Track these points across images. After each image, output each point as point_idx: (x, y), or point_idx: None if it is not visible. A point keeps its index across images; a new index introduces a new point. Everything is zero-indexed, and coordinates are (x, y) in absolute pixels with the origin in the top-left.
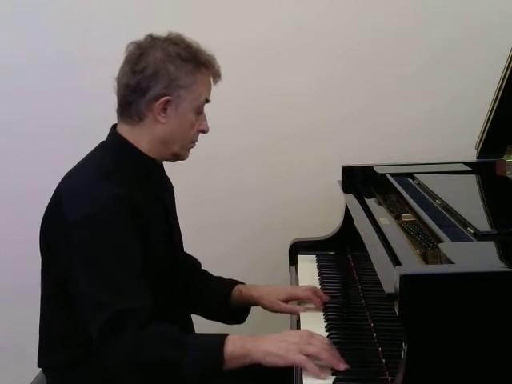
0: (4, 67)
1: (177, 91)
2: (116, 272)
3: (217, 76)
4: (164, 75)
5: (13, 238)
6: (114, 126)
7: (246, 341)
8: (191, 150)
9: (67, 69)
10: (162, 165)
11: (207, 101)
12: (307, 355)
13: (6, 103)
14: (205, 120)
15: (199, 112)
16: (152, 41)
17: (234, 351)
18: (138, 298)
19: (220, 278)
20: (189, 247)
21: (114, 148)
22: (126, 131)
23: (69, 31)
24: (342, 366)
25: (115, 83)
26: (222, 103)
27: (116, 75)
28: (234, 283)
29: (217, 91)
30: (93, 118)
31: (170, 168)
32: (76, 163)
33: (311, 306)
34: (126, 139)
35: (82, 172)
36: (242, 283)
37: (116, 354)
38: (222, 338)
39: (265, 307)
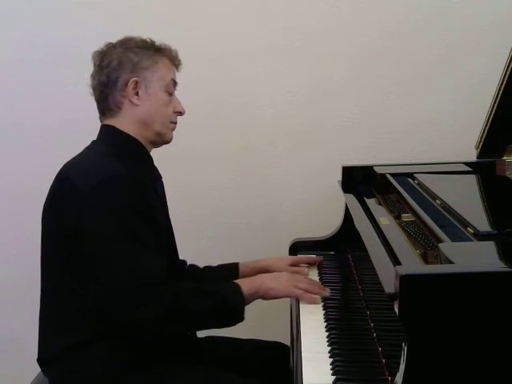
0: (4, 67)
1: (142, 73)
2: (141, 230)
3: (175, 63)
4: (127, 62)
5: (12, 235)
6: (102, 125)
7: (251, 281)
8: (193, 149)
9: (67, 69)
10: (151, 155)
11: (175, 82)
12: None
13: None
14: (179, 102)
15: (170, 93)
16: (111, 44)
17: (248, 291)
18: (163, 255)
19: (209, 267)
20: (187, 248)
21: (110, 138)
22: (111, 124)
23: (69, 31)
24: (327, 292)
25: (91, 90)
26: (223, 102)
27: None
28: (233, 264)
29: (218, 91)
30: (92, 118)
31: (172, 166)
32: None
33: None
34: (117, 128)
35: (87, 156)
36: (237, 263)
37: (161, 311)
38: (236, 284)
39: None
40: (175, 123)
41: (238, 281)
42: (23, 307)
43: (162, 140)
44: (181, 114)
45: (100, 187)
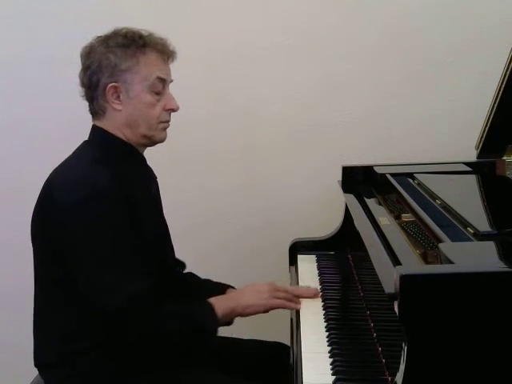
0: (4, 67)
1: (122, 76)
2: (120, 253)
3: (166, 54)
4: (107, 65)
5: (11, 237)
6: (93, 125)
7: (226, 301)
8: (191, 150)
9: (67, 69)
10: (143, 155)
11: (162, 80)
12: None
13: (5, 103)
14: (171, 99)
15: (157, 92)
16: (98, 39)
17: (222, 313)
18: (145, 276)
19: (208, 281)
20: (186, 248)
21: (99, 140)
22: (100, 125)
23: (70, 31)
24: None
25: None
26: (222, 103)
27: None
28: (224, 287)
29: (219, 90)
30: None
31: (169, 167)
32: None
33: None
34: (106, 130)
35: (71, 165)
36: (232, 287)
37: (138, 330)
38: (210, 306)
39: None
40: (167, 122)
41: (213, 299)
42: (22, 310)
43: (151, 141)
44: (173, 110)
45: (81, 205)
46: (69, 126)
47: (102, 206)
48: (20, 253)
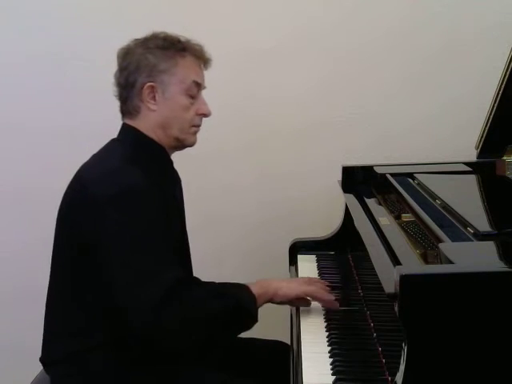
0: (4, 67)
1: (159, 76)
2: (158, 244)
3: (202, 59)
4: (145, 65)
5: (13, 236)
6: (124, 124)
7: (258, 284)
8: (194, 147)
9: (67, 69)
10: (171, 158)
11: (198, 84)
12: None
13: (5, 103)
14: (204, 104)
15: (192, 95)
16: (136, 41)
17: (257, 292)
18: (179, 267)
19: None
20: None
21: (131, 138)
22: (133, 124)
23: (71, 32)
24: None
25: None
26: (221, 102)
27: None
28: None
29: (220, 90)
30: (91, 119)
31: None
32: (88, 159)
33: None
34: (137, 130)
35: (103, 161)
36: None
37: (183, 316)
38: (245, 286)
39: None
40: (198, 126)
41: (250, 283)
42: (24, 306)
43: (182, 145)
44: (205, 116)
45: (118, 199)
46: (69, 127)
47: (139, 200)
48: (21, 252)
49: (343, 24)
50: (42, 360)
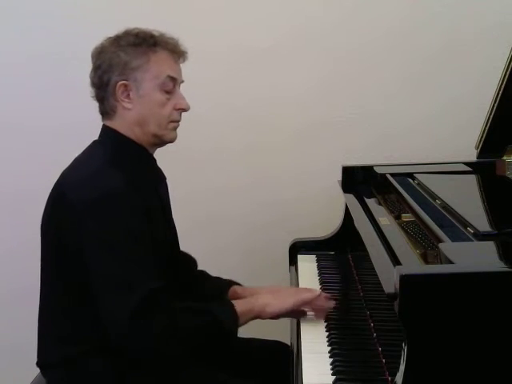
0: (4, 67)
1: (132, 74)
2: (136, 253)
3: (176, 53)
4: (117, 63)
5: (11, 237)
6: (104, 125)
7: (246, 300)
8: (189, 149)
9: (68, 69)
10: (153, 156)
11: (173, 79)
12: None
13: (5, 103)
14: (181, 98)
15: (167, 91)
16: (109, 39)
17: (241, 310)
18: (160, 277)
19: (217, 278)
20: (186, 244)
21: (111, 140)
22: (111, 125)
23: (72, 32)
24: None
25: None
26: (221, 102)
27: None
28: (230, 283)
29: (216, 91)
30: (91, 119)
31: (172, 162)
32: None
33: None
34: (117, 131)
35: (83, 164)
36: (239, 284)
37: (155, 330)
38: (229, 303)
39: None
40: (177, 121)
41: (235, 301)
42: (23, 310)
43: (161, 141)
44: (184, 110)
45: (95, 206)
46: (68, 127)
47: (118, 205)
48: (20, 253)
49: (343, 24)
50: (38, 364)
